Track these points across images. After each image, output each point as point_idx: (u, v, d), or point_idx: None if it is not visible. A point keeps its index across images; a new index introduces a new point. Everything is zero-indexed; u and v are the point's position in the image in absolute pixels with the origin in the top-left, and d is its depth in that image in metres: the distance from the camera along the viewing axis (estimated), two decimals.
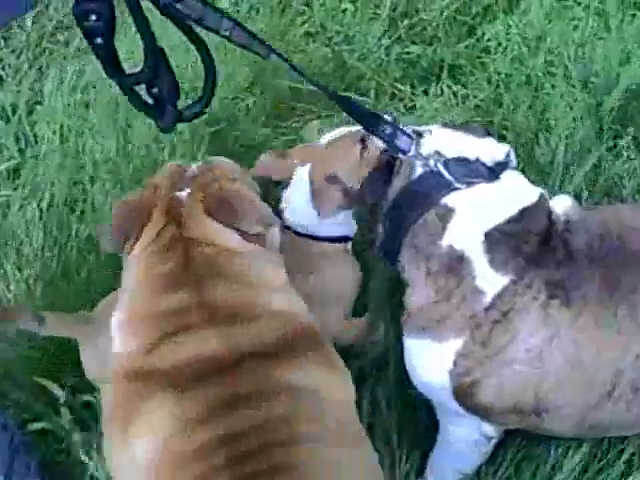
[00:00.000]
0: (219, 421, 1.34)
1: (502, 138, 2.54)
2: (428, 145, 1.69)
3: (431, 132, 1.75)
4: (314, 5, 3.09)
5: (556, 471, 1.83)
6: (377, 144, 1.83)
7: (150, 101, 1.58)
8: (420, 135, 1.72)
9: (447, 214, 1.65)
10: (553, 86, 2.62)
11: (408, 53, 3.00)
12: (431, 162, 1.66)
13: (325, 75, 2.86)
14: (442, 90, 2.81)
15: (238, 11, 3.06)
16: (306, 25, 3.04)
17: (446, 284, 1.62)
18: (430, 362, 1.68)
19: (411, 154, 1.66)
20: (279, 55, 1.52)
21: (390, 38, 3.00)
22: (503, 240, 1.61)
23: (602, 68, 2.57)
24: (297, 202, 1.92)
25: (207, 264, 1.46)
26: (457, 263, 1.62)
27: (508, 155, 1.74)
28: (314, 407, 1.40)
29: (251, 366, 1.39)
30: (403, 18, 3.10)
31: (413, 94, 2.81)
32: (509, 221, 1.63)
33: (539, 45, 2.80)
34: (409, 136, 1.68)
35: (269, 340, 1.43)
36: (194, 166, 1.65)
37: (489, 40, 2.89)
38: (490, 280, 1.60)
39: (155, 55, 1.49)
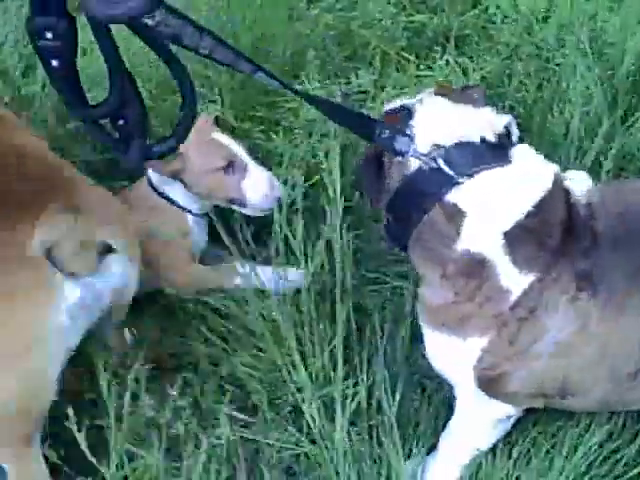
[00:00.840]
0: None
1: (512, 110, 2.49)
2: (424, 136, 1.55)
3: (422, 102, 1.61)
4: None
5: (573, 450, 1.78)
6: None
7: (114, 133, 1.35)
8: (410, 113, 1.58)
9: (456, 215, 1.53)
10: (564, 56, 2.56)
11: (412, 22, 2.93)
12: (430, 159, 1.54)
13: (327, 43, 2.78)
14: (448, 61, 2.74)
15: None
16: None
17: (466, 286, 1.53)
18: (451, 355, 1.61)
19: (410, 154, 1.55)
20: (266, 72, 1.35)
21: (394, 5, 2.92)
22: (524, 237, 1.51)
23: (614, 38, 2.50)
24: None
25: None
26: (477, 266, 1.52)
27: (508, 127, 1.62)
28: None
29: None
30: None
31: (419, 65, 2.73)
32: (527, 216, 1.52)
33: (548, 15, 2.74)
34: (408, 136, 1.55)
35: None
36: None
37: (497, 9, 2.81)
38: (515, 279, 1.51)
39: (122, 81, 1.26)
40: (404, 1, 2.97)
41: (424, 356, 1.77)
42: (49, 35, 1.16)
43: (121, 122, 1.29)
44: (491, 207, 1.52)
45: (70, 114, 1.40)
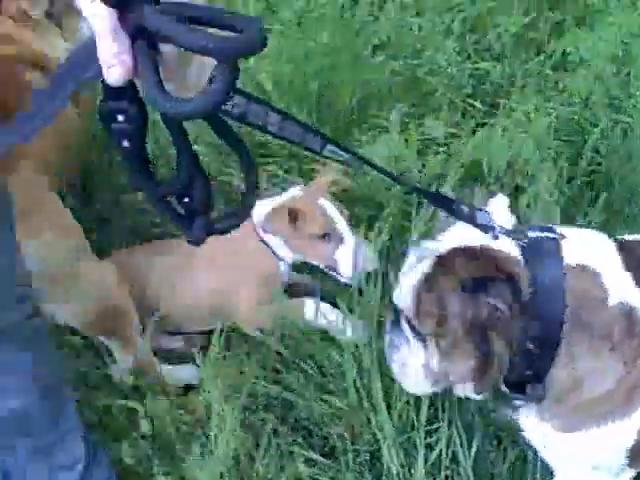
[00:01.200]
0: None
1: (581, 158, 2.48)
2: (498, 216, 1.49)
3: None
4: (380, 18, 3.06)
5: None
6: None
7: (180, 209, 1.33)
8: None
9: (588, 272, 1.43)
10: (634, 106, 2.55)
11: (477, 69, 2.95)
12: (519, 234, 1.46)
13: (393, 90, 2.81)
14: (512, 108, 2.74)
15: (300, 24, 3.01)
16: (373, 38, 3.00)
17: (630, 347, 1.42)
18: (613, 442, 1.49)
19: (497, 230, 1.45)
20: (338, 145, 1.27)
21: (459, 53, 2.95)
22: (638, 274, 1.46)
23: None
24: None
25: None
26: (631, 319, 1.42)
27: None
28: None
29: None
30: (471, 34, 3.07)
31: (485, 112, 2.74)
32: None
33: (618, 63, 2.74)
34: (486, 212, 1.48)
35: None
36: None
37: (568, 55, 2.81)
38: None
39: (189, 164, 1.26)
40: (469, 49, 3.00)
41: (494, 410, 1.73)
42: (121, 118, 1.18)
43: (186, 200, 1.29)
44: (597, 254, 1.47)
45: (135, 188, 1.40)
